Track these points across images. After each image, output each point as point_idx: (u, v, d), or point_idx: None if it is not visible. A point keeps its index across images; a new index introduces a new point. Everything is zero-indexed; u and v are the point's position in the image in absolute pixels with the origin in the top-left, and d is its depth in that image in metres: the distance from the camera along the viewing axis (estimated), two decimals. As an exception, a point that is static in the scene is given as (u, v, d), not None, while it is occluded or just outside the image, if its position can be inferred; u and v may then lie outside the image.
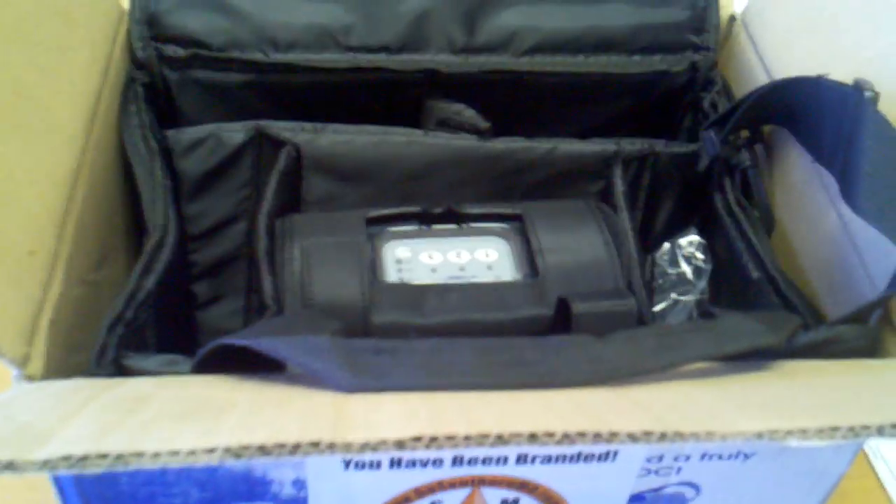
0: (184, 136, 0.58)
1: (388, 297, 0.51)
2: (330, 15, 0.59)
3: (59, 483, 0.37)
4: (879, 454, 0.60)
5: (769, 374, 0.38)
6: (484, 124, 0.60)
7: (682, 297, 0.60)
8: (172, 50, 0.59)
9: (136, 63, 0.58)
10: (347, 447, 0.28)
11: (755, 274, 0.53)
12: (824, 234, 0.51)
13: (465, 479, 0.38)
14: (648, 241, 0.63)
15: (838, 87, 0.48)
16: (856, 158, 0.45)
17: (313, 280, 0.51)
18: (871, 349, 0.43)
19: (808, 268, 0.53)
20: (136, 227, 0.57)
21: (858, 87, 0.47)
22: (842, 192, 0.47)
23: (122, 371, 0.44)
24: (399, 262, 0.54)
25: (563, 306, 0.49)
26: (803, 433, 0.29)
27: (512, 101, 0.63)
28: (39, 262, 0.43)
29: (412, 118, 0.62)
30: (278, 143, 0.58)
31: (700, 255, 0.60)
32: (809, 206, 0.53)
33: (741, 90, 0.62)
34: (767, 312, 0.50)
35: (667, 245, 0.61)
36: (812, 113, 0.51)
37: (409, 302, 0.51)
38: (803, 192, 0.54)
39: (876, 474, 0.59)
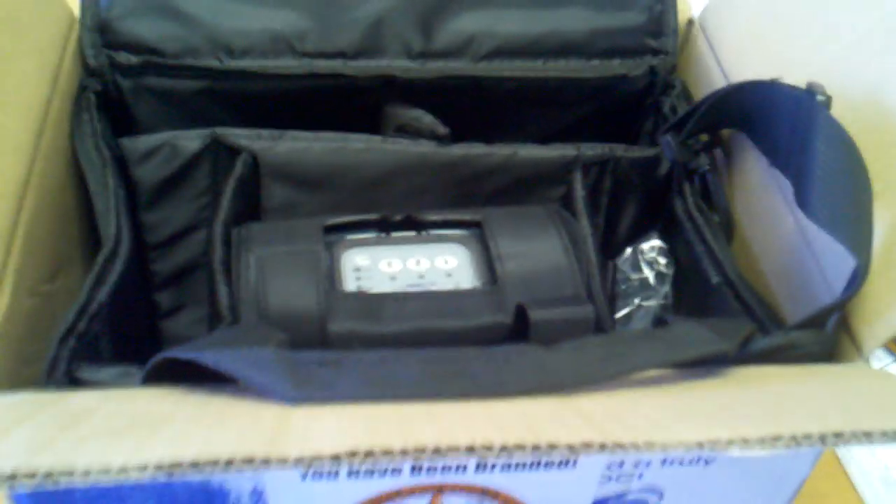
0: (138, 144, 0.57)
1: (344, 305, 0.50)
2: (285, 21, 0.59)
3: (16, 498, 0.36)
4: (851, 454, 0.60)
5: (719, 382, 0.38)
6: (442, 130, 0.60)
7: (646, 303, 0.60)
8: (125, 57, 0.58)
9: (88, 71, 0.58)
10: (282, 462, 0.28)
11: (715, 279, 0.53)
12: (782, 239, 0.51)
13: (426, 486, 0.38)
14: (611, 246, 0.63)
15: (791, 90, 0.48)
16: (809, 163, 0.45)
17: (268, 290, 0.50)
18: (826, 355, 0.43)
19: (768, 272, 0.53)
20: (92, 237, 0.56)
21: (811, 91, 0.47)
22: (796, 196, 0.47)
23: (74, 383, 0.43)
24: (358, 269, 0.54)
25: (520, 313, 0.49)
26: (745, 442, 0.29)
27: (471, 106, 0.62)
28: (-17, 274, 0.42)
29: (371, 124, 0.62)
30: (235, 151, 0.58)
31: (662, 260, 0.60)
32: (767, 210, 0.53)
33: (700, 94, 0.62)
34: (721, 319, 0.50)
35: (629, 250, 0.61)
36: (767, 117, 0.51)
37: (367, 310, 0.50)
38: (761, 196, 0.54)
39: (847, 475, 0.59)
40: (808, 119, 0.46)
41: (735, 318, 0.49)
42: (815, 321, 0.43)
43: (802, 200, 0.46)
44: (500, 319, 0.51)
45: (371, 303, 0.51)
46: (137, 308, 0.54)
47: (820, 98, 0.46)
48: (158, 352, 0.62)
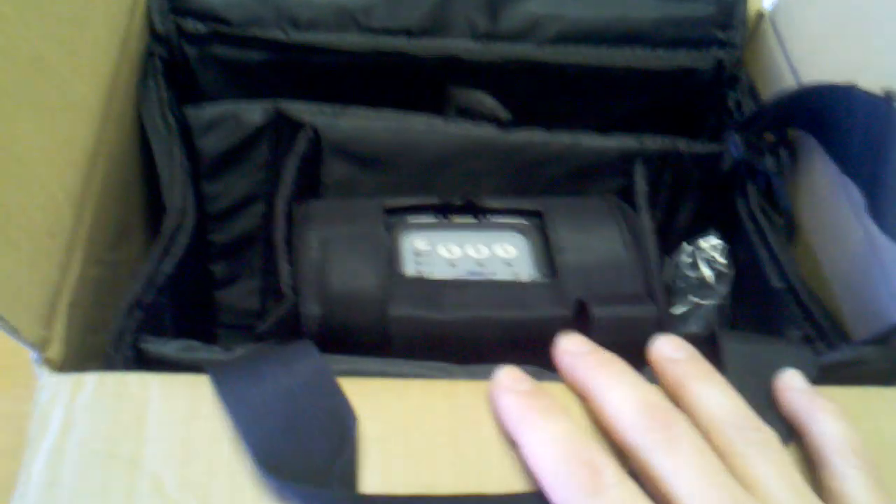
0: (203, 113, 0.57)
1: (405, 290, 0.50)
2: None
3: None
4: None
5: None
6: (504, 114, 0.59)
7: (703, 301, 0.59)
8: (192, 24, 0.57)
9: (154, 36, 0.57)
10: None
11: (776, 283, 0.52)
12: (849, 249, 0.51)
13: None
14: (668, 242, 0.62)
15: (868, 96, 0.47)
16: (883, 173, 0.44)
17: (330, 270, 0.50)
18: (892, 372, 0.42)
19: (831, 281, 0.52)
20: (153, 205, 0.57)
21: (889, 98, 0.46)
22: (868, 207, 0.46)
23: (139, 355, 0.43)
24: (417, 253, 0.53)
25: (581, 308, 0.49)
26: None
27: (532, 90, 0.62)
28: (58, 243, 0.42)
29: (433, 103, 0.61)
30: (297, 125, 0.57)
31: (722, 260, 0.59)
32: (834, 217, 0.52)
33: (767, 90, 0.62)
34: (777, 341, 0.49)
35: (687, 246, 0.60)
36: (840, 122, 0.50)
37: (427, 296, 0.50)
38: (829, 201, 0.53)
39: None
40: (884, 127, 0.46)
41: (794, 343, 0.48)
42: (883, 338, 0.43)
43: (875, 212, 0.46)
44: (560, 313, 0.50)
45: (431, 288, 0.51)
46: (197, 280, 0.54)
47: (898, 104, 0.46)
48: (213, 322, 0.64)
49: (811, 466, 0.35)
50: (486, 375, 0.39)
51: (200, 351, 0.43)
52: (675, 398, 0.36)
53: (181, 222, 0.49)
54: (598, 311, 0.48)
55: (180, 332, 0.49)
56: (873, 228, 0.48)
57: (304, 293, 0.50)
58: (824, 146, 0.53)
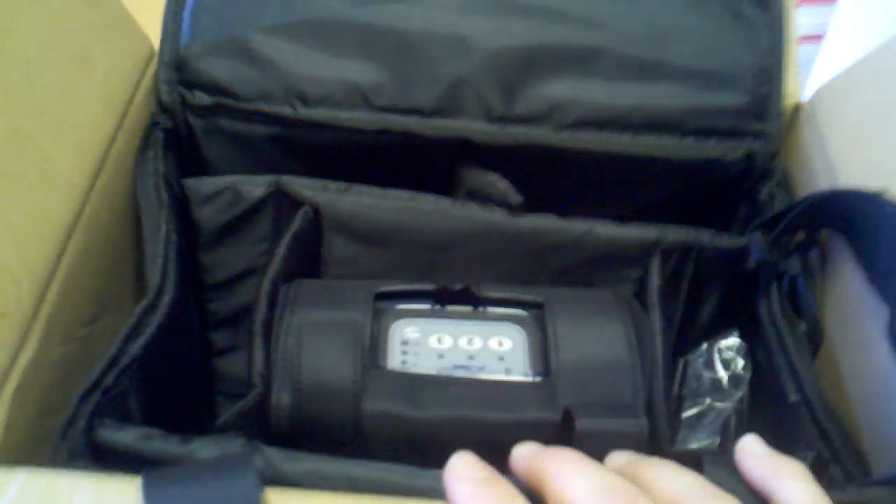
0: (202, 186, 0.56)
1: (382, 384, 0.48)
2: (363, 73, 0.57)
3: None
4: None
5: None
6: (516, 198, 0.56)
7: (718, 404, 0.55)
8: (199, 96, 0.57)
9: (160, 107, 0.57)
10: None
11: (793, 396, 0.48)
12: (873, 365, 0.46)
13: None
14: (685, 338, 0.58)
15: (893, 206, 0.43)
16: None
17: (303, 359, 0.48)
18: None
19: (853, 398, 0.48)
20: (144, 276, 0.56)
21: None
22: (889, 326, 0.42)
23: (92, 443, 0.41)
24: (405, 343, 0.51)
25: (567, 417, 0.46)
26: None
27: (548, 175, 0.59)
28: (9, 323, 0.41)
29: (441, 183, 0.59)
30: (297, 202, 0.56)
31: (740, 362, 0.55)
32: (861, 328, 0.48)
33: (802, 184, 0.58)
34: None
35: (704, 346, 0.56)
36: (870, 229, 0.46)
37: (406, 391, 0.47)
38: (857, 312, 0.48)
39: None
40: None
41: None
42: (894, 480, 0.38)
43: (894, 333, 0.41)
44: (548, 416, 0.47)
45: (411, 384, 0.48)
46: (177, 360, 0.53)
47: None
48: (211, 394, 0.62)
49: None
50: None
51: (157, 440, 0.41)
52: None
53: (157, 300, 0.48)
54: (581, 423, 0.44)
55: (150, 415, 0.47)
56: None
57: (276, 381, 0.47)
58: (856, 251, 0.48)
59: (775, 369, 0.50)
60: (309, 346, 0.48)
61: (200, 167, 0.59)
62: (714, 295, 0.58)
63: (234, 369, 0.63)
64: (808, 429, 0.46)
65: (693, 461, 0.37)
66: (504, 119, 0.58)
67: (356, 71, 0.57)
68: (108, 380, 0.43)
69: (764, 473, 0.36)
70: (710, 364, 0.56)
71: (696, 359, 0.56)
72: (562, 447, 0.37)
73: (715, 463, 0.38)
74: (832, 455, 0.45)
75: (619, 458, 0.39)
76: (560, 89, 0.57)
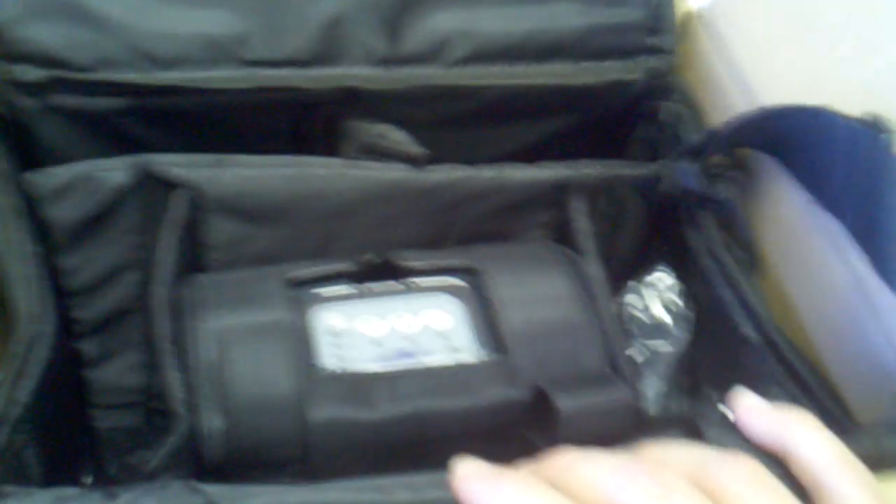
0: (49, 179, 0.47)
1: (326, 388, 0.42)
2: (221, 22, 0.49)
3: None
4: None
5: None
6: (416, 150, 0.50)
7: (662, 349, 0.52)
8: (25, 70, 0.47)
9: (-21, 90, 0.46)
10: None
11: (750, 333, 0.45)
12: (829, 290, 0.44)
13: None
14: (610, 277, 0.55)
15: (847, 122, 0.41)
16: (883, 219, 0.38)
17: (234, 374, 0.41)
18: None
19: (809, 328, 0.46)
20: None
21: (872, 127, 0.40)
22: (874, 262, 0.40)
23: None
24: (334, 334, 0.44)
25: (541, 397, 0.41)
26: None
27: (445, 120, 0.53)
28: None
29: (327, 142, 0.52)
30: (170, 184, 0.47)
31: (678, 301, 0.52)
32: (807, 251, 0.46)
33: (708, 100, 0.55)
34: None
35: (631, 283, 0.53)
36: (811, 148, 0.44)
37: (352, 393, 0.42)
38: (800, 234, 0.46)
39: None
40: (873, 161, 0.39)
41: None
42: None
43: (875, 259, 0.39)
44: (512, 396, 0.43)
45: (358, 384, 0.42)
46: (67, 392, 0.44)
47: (884, 136, 0.39)
48: (85, 408, 0.53)
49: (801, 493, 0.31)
50: (431, 487, 0.32)
51: (74, 502, 0.33)
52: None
53: (38, 331, 0.39)
54: (563, 403, 0.40)
55: (49, 465, 0.39)
56: (861, 269, 0.41)
57: (202, 405, 0.40)
58: (791, 170, 0.46)
59: (722, 305, 0.48)
60: (235, 357, 0.41)
61: (42, 157, 0.49)
62: (630, 230, 0.55)
63: (108, 378, 0.54)
64: (771, 367, 0.44)
65: (689, 427, 0.34)
66: (389, 61, 0.51)
67: (214, 21, 0.49)
68: (0, 440, 0.36)
69: (771, 430, 0.33)
70: (644, 305, 0.53)
71: (628, 300, 0.53)
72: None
73: (712, 426, 0.35)
74: (803, 391, 0.43)
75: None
76: (447, 22, 0.52)
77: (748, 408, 0.34)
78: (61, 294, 0.50)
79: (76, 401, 0.52)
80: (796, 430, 0.32)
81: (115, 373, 0.54)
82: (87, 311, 0.51)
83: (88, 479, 0.51)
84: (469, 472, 0.31)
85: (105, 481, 0.51)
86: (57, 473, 0.41)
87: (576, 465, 0.30)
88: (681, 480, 0.29)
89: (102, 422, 0.54)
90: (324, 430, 0.41)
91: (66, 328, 0.51)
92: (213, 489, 0.33)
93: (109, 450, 0.53)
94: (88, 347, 0.53)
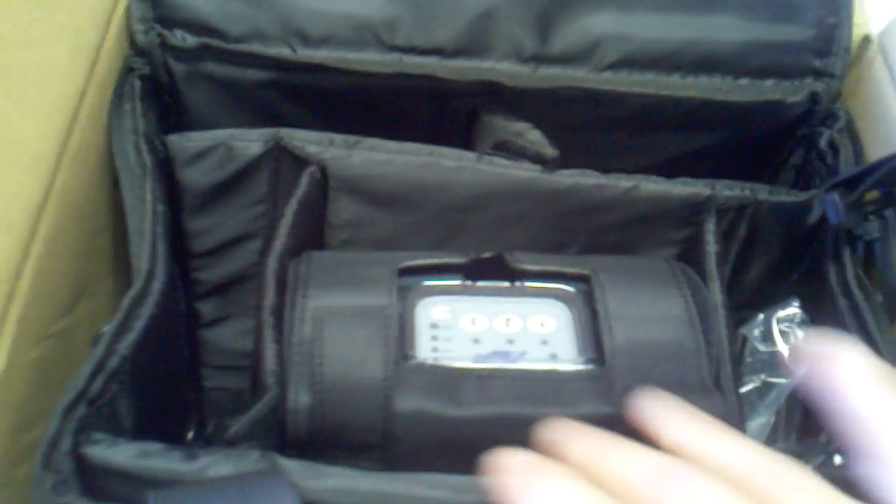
0: (188, 143, 0.48)
1: (415, 378, 0.41)
2: (373, 5, 0.49)
3: None
4: None
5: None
6: (551, 151, 0.49)
7: (775, 380, 0.49)
8: (180, 36, 0.48)
9: (135, 50, 0.48)
10: None
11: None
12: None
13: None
14: (733, 304, 0.52)
15: None
16: None
17: (325, 353, 0.41)
18: None
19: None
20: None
21: None
22: None
23: (80, 466, 0.35)
24: (434, 325, 0.44)
25: None
26: None
27: (585, 124, 0.52)
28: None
29: (464, 133, 0.52)
30: (301, 161, 0.48)
31: (800, 334, 0.49)
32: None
33: (870, 130, 0.51)
34: None
35: (761, 317, 0.50)
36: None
37: (442, 387, 0.41)
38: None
39: None
40: None
41: None
42: None
43: None
44: (605, 410, 0.41)
45: (448, 379, 0.42)
46: (169, 348, 0.46)
47: None
48: (197, 366, 0.56)
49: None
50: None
51: (158, 458, 0.35)
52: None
53: (146, 289, 0.41)
54: None
55: (142, 421, 0.40)
56: None
57: (292, 379, 0.41)
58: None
59: (851, 347, 0.44)
60: (331, 337, 0.41)
61: (184, 120, 0.51)
62: (765, 257, 0.52)
63: (222, 340, 0.57)
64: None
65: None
66: (537, 59, 0.50)
67: (366, 4, 0.49)
68: (95, 387, 0.37)
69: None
70: (767, 336, 0.50)
71: (752, 332, 0.50)
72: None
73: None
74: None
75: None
76: (601, 24, 0.50)
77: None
78: (186, 255, 0.52)
79: (188, 359, 0.54)
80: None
81: (229, 335, 0.56)
82: (209, 274, 0.53)
83: (191, 436, 0.53)
84: (507, 465, 0.31)
85: (204, 439, 0.53)
86: (155, 426, 0.42)
87: (612, 455, 0.30)
88: (724, 487, 0.28)
89: (211, 381, 0.56)
90: (408, 421, 0.40)
91: (187, 288, 0.53)
92: (289, 463, 0.34)
93: (213, 409, 0.55)
94: (206, 308, 0.55)
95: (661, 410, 0.34)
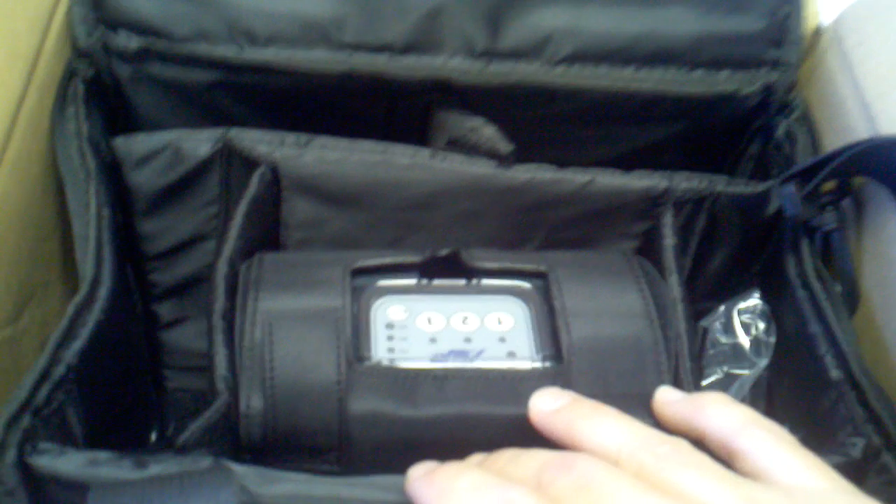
0: (136, 145, 0.48)
1: (370, 380, 0.41)
2: (320, 4, 0.48)
3: None
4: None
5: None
6: (506, 147, 0.49)
7: (737, 371, 0.49)
8: (124, 38, 0.47)
9: (78, 52, 0.47)
10: None
11: (833, 372, 0.42)
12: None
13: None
14: (692, 296, 0.52)
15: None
16: None
17: (276, 356, 0.40)
18: None
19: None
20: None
21: None
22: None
23: (27, 475, 0.34)
24: (390, 326, 0.44)
25: None
26: None
27: (539, 119, 0.51)
28: None
29: (417, 131, 0.51)
30: (251, 162, 0.47)
31: (761, 325, 0.49)
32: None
33: (825, 118, 0.51)
34: None
35: (722, 309, 0.50)
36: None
37: (397, 388, 0.41)
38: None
39: None
40: None
41: None
42: None
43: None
44: None
45: (404, 379, 0.41)
46: (121, 352, 0.45)
47: None
48: (159, 367, 0.55)
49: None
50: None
51: (106, 466, 0.34)
52: (567, 444, 0.35)
53: (90, 295, 0.40)
54: None
55: (94, 427, 0.40)
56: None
57: (243, 384, 0.40)
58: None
59: (809, 338, 0.44)
60: (282, 339, 0.41)
61: (130, 122, 0.50)
62: (724, 249, 0.52)
63: (181, 341, 0.56)
64: (853, 410, 0.41)
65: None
66: (488, 54, 0.50)
67: (313, 2, 0.48)
68: (40, 397, 0.36)
69: (686, 412, 0.35)
70: (728, 328, 0.50)
71: (713, 324, 0.50)
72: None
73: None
74: (886, 442, 0.39)
75: (548, 400, 0.38)
76: (553, 17, 0.49)
77: (662, 402, 0.37)
78: (141, 258, 0.51)
79: (148, 361, 0.53)
80: (706, 407, 0.34)
81: (188, 336, 0.55)
82: (164, 276, 0.53)
83: (153, 437, 0.52)
84: (419, 474, 0.32)
85: (165, 440, 0.52)
86: (109, 432, 0.42)
87: (507, 462, 0.33)
88: (609, 468, 0.30)
89: (172, 382, 0.56)
90: (363, 423, 0.40)
91: (144, 290, 0.52)
92: (241, 469, 0.33)
93: (175, 410, 0.54)
94: (164, 310, 0.54)
95: (552, 409, 0.37)
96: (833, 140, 0.49)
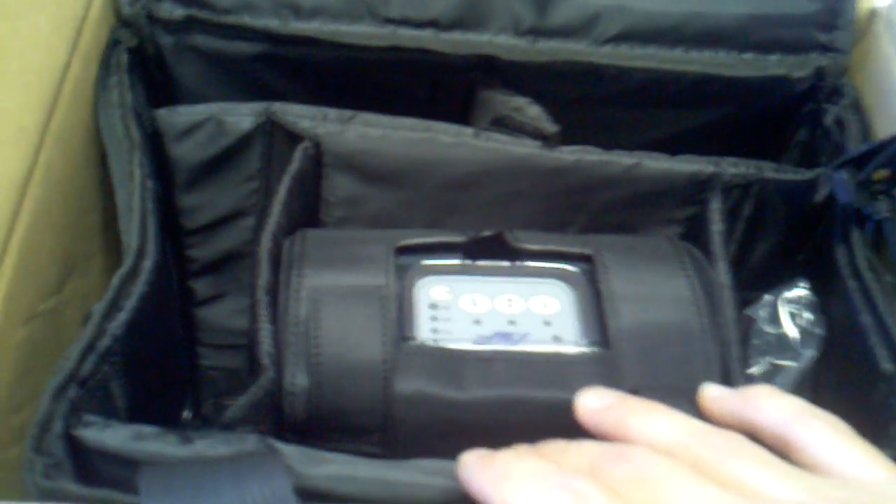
0: (177, 118, 0.47)
1: (416, 360, 0.40)
2: None
3: None
4: None
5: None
6: (551, 127, 0.48)
7: (783, 363, 0.48)
8: (168, 8, 0.47)
9: (121, 22, 0.47)
10: None
11: (886, 365, 0.41)
12: None
13: None
14: (738, 284, 0.51)
15: None
16: None
17: (321, 334, 0.40)
18: None
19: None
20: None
21: None
22: None
23: (73, 447, 0.33)
24: (434, 306, 0.43)
25: None
26: None
27: (586, 99, 0.51)
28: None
29: (461, 109, 0.51)
30: (293, 137, 0.47)
31: (808, 316, 0.48)
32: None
33: (876, 106, 0.50)
34: None
35: (768, 297, 0.49)
36: None
37: (443, 370, 0.40)
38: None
39: None
40: None
41: None
42: None
43: None
44: None
45: (450, 361, 0.41)
46: (162, 327, 0.44)
47: None
48: (193, 344, 0.54)
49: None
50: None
51: (152, 441, 0.33)
52: (619, 440, 0.33)
53: (136, 267, 0.39)
54: None
55: (136, 402, 0.39)
56: None
57: (289, 360, 0.40)
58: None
59: (860, 330, 0.43)
60: (327, 316, 0.40)
61: (172, 94, 0.50)
62: (770, 237, 0.51)
63: (217, 319, 0.56)
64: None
65: None
66: (535, 32, 0.49)
67: (358, -25, 0.47)
68: (87, 368, 0.36)
69: (736, 408, 0.34)
70: (774, 318, 0.49)
71: (759, 314, 0.49)
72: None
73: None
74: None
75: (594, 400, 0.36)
76: (602, -5, 0.49)
77: (709, 398, 0.36)
78: (179, 232, 0.51)
79: (183, 338, 0.53)
80: (757, 399, 0.33)
81: (224, 314, 0.55)
82: (202, 251, 0.52)
83: (187, 415, 0.52)
84: (473, 458, 0.32)
85: (200, 418, 0.52)
86: (148, 407, 0.41)
87: (561, 453, 0.32)
88: (665, 459, 0.30)
89: (207, 360, 0.55)
90: (408, 403, 0.39)
91: (180, 266, 0.52)
92: (287, 449, 0.33)
93: (210, 388, 0.54)
94: (201, 286, 0.54)
95: (600, 407, 0.36)
96: (885, 127, 0.48)
